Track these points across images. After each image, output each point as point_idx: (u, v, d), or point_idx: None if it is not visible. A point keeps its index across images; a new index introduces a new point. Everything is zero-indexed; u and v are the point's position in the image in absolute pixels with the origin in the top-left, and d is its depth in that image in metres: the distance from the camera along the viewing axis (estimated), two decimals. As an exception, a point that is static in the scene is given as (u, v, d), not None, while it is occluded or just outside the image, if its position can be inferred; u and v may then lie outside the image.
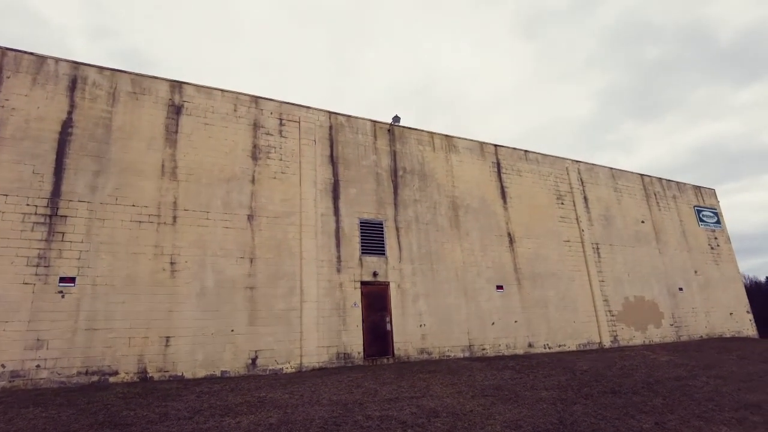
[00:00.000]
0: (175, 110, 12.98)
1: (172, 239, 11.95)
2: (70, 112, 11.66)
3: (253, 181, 13.39)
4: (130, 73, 12.69)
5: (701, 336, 20.91)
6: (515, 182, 18.37)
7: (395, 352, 13.91)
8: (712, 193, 25.27)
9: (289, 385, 10.21)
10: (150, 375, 10.85)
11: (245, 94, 14.12)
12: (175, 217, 12.14)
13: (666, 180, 23.66)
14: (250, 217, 13.05)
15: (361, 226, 14.56)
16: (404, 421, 8.29)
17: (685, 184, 24.41)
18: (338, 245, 14.02)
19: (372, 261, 14.44)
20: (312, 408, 8.58)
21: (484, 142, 18.26)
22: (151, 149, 12.34)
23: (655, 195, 22.63)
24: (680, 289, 21.28)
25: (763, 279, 74.52)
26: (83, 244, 10.95)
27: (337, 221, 14.24)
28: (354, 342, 13.42)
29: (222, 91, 13.81)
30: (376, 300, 14.18)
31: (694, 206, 23.96)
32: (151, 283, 11.41)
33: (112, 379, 10.47)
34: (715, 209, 24.82)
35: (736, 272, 23.90)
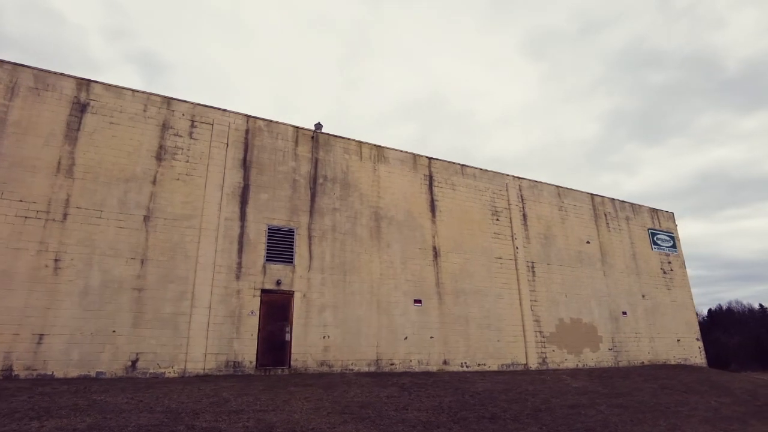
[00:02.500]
0: (80, 108, 12.99)
1: (59, 236, 11.90)
2: (-38, 105, 11.72)
3: (154, 182, 13.33)
4: (33, 68, 12.74)
5: (642, 362, 20.39)
6: (448, 196, 18.11)
7: (292, 363, 13.71)
8: (670, 216, 24.73)
9: (142, 390, 10.07)
10: (15, 373, 10.77)
11: (157, 95, 14.10)
12: (65, 215, 12.10)
13: (620, 201, 23.21)
14: (147, 218, 12.97)
15: (269, 232, 14.41)
16: (230, 436, 8.11)
17: (640, 206, 23.93)
18: (240, 251, 13.89)
19: (277, 269, 14.27)
20: (138, 415, 8.42)
21: (417, 155, 18.06)
22: (48, 146, 12.34)
23: (605, 215, 22.20)
24: (624, 313, 20.80)
25: (757, 306, 72.94)
26: (-41, 237, 10.95)
27: (243, 227, 14.11)
28: (247, 351, 13.24)
29: (133, 91, 13.82)
30: (277, 309, 13.99)
31: (649, 229, 23.45)
32: (30, 280, 11.36)
33: (-27, 374, 10.41)
34: (672, 233, 24.27)
35: (688, 298, 23.32)
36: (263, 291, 13.93)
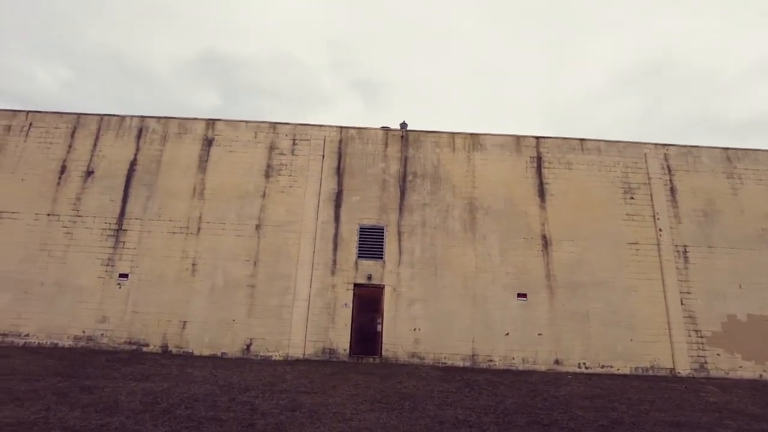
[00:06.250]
0: (208, 143, 16.39)
1: (195, 246, 15.32)
2: (135, 154, 16.15)
3: (263, 196, 15.85)
4: (177, 118, 16.63)
5: None
6: (561, 177, 16.24)
7: (383, 353, 14.49)
8: None
9: (229, 368, 12.28)
10: (169, 349, 14.36)
11: (265, 122, 16.68)
12: (199, 228, 15.49)
13: (844, 156, 16.78)
14: (258, 227, 15.53)
15: (360, 231, 15.52)
16: (256, 408, 9.52)
17: None
18: (335, 250, 15.35)
19: (368, 265, 15.26)
20: (201, 386, 10.49)
21: (521, 136, 16.70)
22: (186, 176, 15.98)
23: (815, 178, 16.40)
24: None
25: None
26: (134, 249, 15.18)
27: (337, 228, 15.55)
28: (340, 339, 14.59)
29: (246, 122, 16.68)
30: (368, 302, 14.98)
31: None
32: (176, 280, 14.97)
33: (144, 349, 14.33)
34: None
35: None
36: (355, 285, 15.11)
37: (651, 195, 16.09)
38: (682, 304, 14.97)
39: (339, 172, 16.21)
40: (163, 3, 75.46)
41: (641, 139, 15.68)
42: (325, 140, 16.53)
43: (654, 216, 15.86)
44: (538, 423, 9.83)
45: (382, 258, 15.35)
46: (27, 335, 14.32)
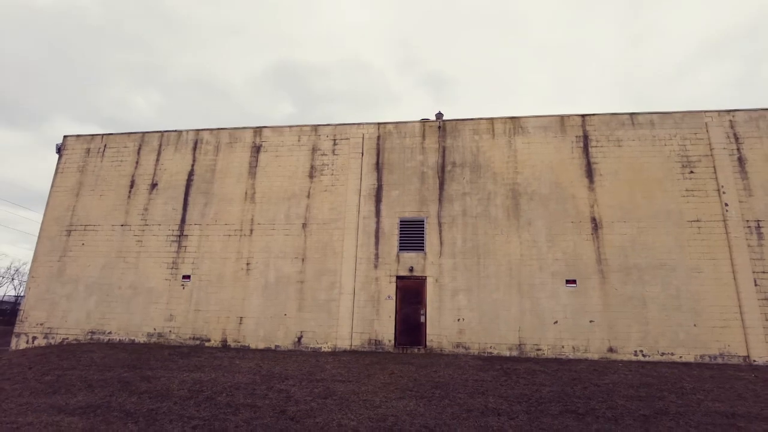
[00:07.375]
0: (256, 150, 17.36)
1: (248, 246, 16.32)
2: (192, 165, 17.51)
3: (308, 196, 16.52)
4: (227, 128, 17.76)
5: None
6: (611, 155, 15.32)
7: (428, 343, 14.57)
8: None
9: (277, 360, 12.99)
10: (228, 343, 15.45)
11: (307, 126, 17.34)
12: (251, 230, 16.48)
13: None
14: (304, 225, 16.22)
15: (400, 224, 15.69)
16: (291, 396, 10.09)
17: None
18: (377, 244, 15.65)
19: (410, 257, 15.39)
20: (245, 375, 11.27)
21: (566, 115, 15.95)
22: (239, 182, 17.05)
23: None
24: None
25: None
26: (195, 253, 16.47)
27: (378, 222, 15.84)
28: (385, 331, 14.87)
29: (290, 127, 17.45)
30: (411, 294, 15.12)
31: None
32: (233, 279, 16.05)
33: (207, 344, 15.53)
34: None
35: None
36: (398, 277, 15.31)
37: (714, 167, 14.72)
38: (756, 285, 13.58)
39: (378, 167, 16.48)
40: (238, 21, 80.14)
41: (740, 106, 14.29)
42: (363, 138, 16.89)
43: (718, 190, 14.50)
44: (573, 412, 9.50)
45: (423, 250, 15.41)
46: (110, 333, 16.07)
